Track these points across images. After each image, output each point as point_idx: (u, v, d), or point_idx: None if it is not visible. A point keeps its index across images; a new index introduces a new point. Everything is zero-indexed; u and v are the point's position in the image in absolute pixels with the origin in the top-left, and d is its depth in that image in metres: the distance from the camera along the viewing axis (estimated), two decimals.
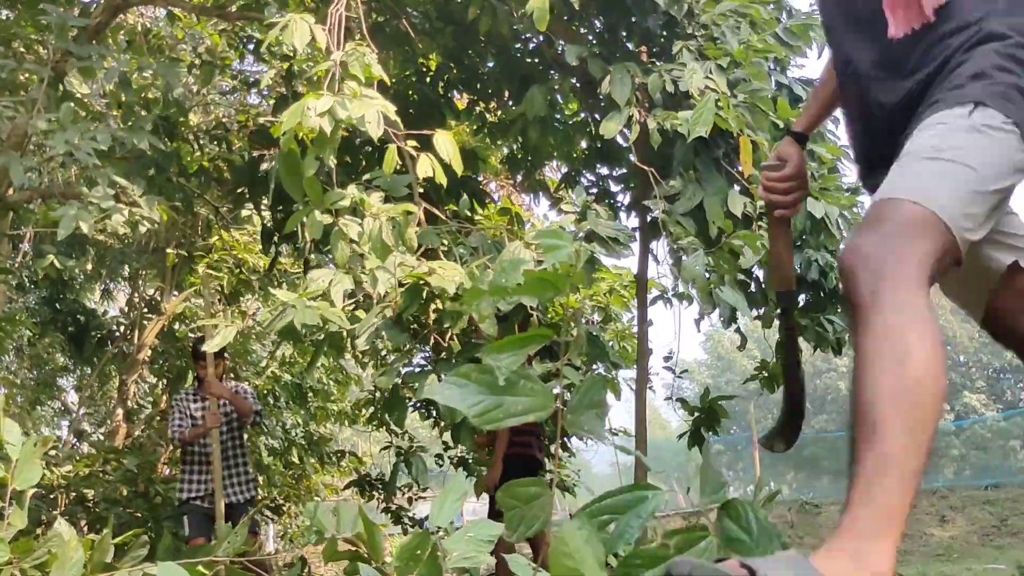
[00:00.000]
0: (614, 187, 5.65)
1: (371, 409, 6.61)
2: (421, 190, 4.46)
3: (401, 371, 4.21)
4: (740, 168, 4.28)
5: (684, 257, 4.21)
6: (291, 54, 5.38)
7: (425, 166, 3.88)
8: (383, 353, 6.27)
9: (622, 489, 1.09)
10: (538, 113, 4.69)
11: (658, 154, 4.56)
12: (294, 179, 3.76)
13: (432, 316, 4.04)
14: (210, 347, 4.15)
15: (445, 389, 1.10)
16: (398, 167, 4.12)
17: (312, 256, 5.09)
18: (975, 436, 31.13)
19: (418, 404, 6.12)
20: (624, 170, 5.54)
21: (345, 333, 3.82)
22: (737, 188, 4.50)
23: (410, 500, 6.78)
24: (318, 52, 4.01)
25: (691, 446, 5.21)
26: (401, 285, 3.81)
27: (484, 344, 4.15)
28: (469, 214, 5.15)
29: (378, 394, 6.18)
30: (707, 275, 4.06)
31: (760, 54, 4.46)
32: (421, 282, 3.79)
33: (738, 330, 5.65)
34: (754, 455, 16.33)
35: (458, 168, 3.98)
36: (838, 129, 5.34)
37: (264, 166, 5.18)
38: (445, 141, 3.93)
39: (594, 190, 5.60)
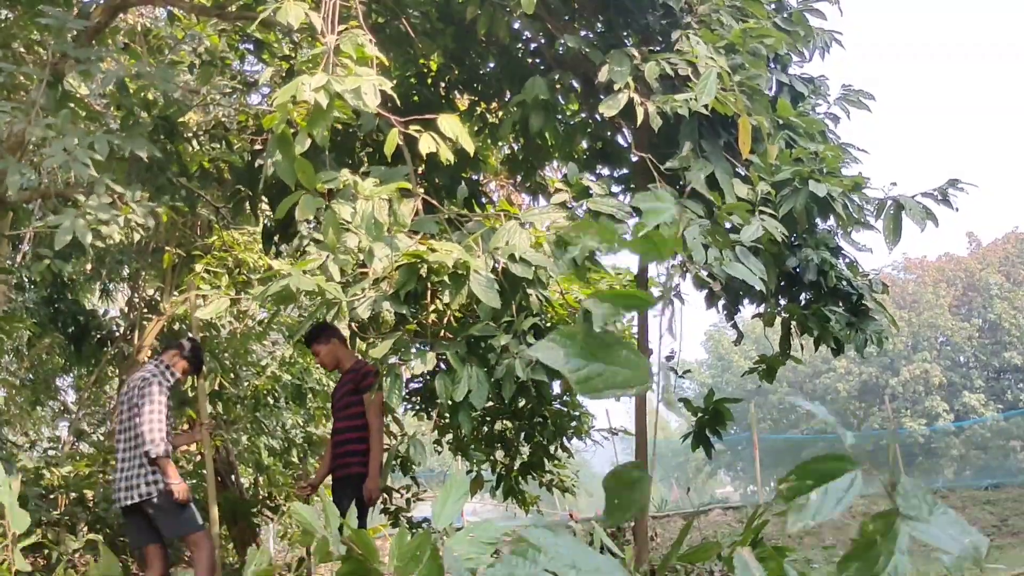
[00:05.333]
0: (615, 187, 5.66)
1: None
2: (421, 190, 4.45)
3: (398, 350, 4.18)
4: (745, 153, 4.27)
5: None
6: (291, 53, 5.37)
7: (428, 143, 3.86)
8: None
9: (812, 461, 1.05)
10: (539, 95, 4.59)
11: (659, 146, 4.55)
12: (287, 162, 3.73)
13: (429, 296, 4.03)
14: (203, 313, 4.16)
15: (546, 349, 1.05)
16: (394, 155, 4.12)
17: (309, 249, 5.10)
18: (975, 436, 31.13)
19: (416, 408, 6.10)
20: (625, 170, 5.54)
21: (344, 305, 3.81)
22: (745, 179, 4.51)
23: (409, 502, 6.75)
24: (316, 44, 4.02)
25: (695, 448, 5.16)
26: (399, 266, 3.81)
27: (480, 323, 4.14)
28: (468, 211, 5.15)
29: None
30: (719, 252, 4.02)
31: (757, 39, 4.44)
32: (418, 261, 3.79)
33: (735, 325, 5.64)
34: (754, 455, 16.31)
35: (469, 147, 3.96)
36: (837, 127, 5.35)
37: (260, 162, 5.18)
38: (451, 123, 3.92)
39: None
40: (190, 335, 6.41)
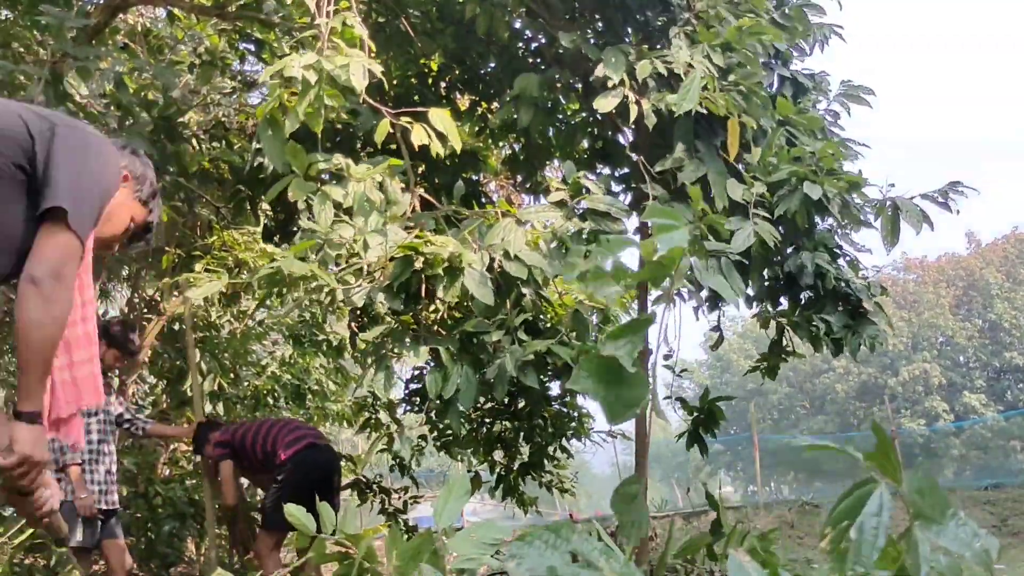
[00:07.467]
0: (615, 187, 5.65)
1: (367, 415, 6.60)
2: (420, 190, 4.44)
3: (389, 341, 4.17)
4: (732, 155, 4.27)
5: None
6: (292, 53, 5.35)
7: (420, 135, 3.85)
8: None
9: (839, 501, 1.04)
10: (530, 93, 4.57)
11: (658, 145, 4.55)
12: (277, 144, 3.70)
13: (424, 291, 4.03)
14: (194, 295, 4.15)
15: (581, 382, 1.09)
16: (394, 153, 4.10)
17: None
18: (975, 436, 31.13)
19: (410, 406, 6.10)
20: (626, 170, 5.54)
21: (339, 293, 3.80)
22: (740, 179, 4.50)
23: (405, 504, 6.74)
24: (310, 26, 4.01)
25: (689, 447, 5.18)
26: (392, 259, 3.80)
27: (473, 318, 4.13)
28: (467, 210, 5.14)
29: (371, 381, 6.16)
30: (702, 261, 4.01)
31: (753, 36, 4.44)
32: (412, 253, 3.77)
33: (717, 328, 5.60)
34: (754, 455, 16.30)
35: (456, 144, 3.95)
36: (837, 122, 5.35)
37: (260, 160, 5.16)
38: (441, 117, 3.90)
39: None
40: (117, 318, 6.33)
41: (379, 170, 3.78)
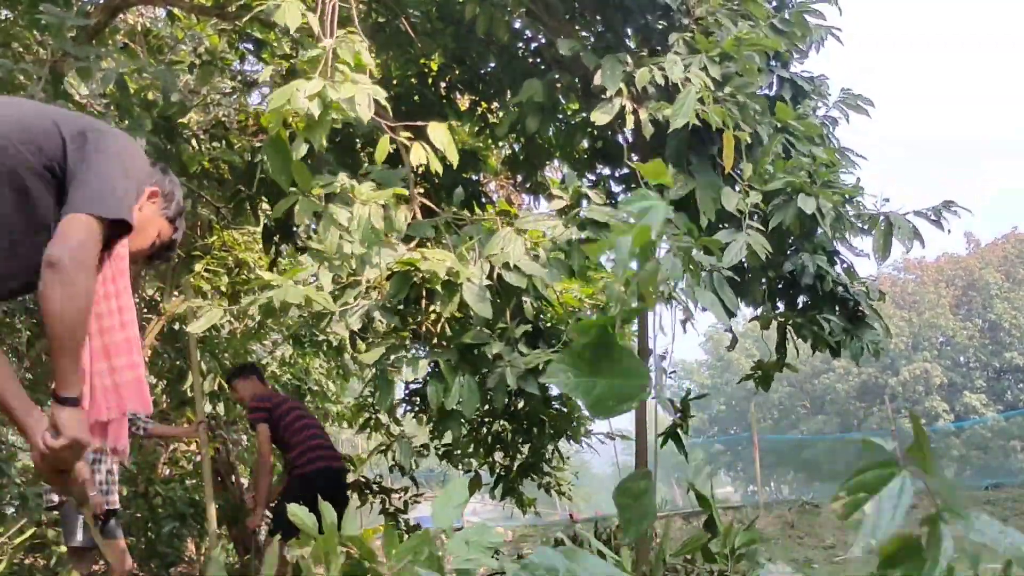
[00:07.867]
0: (615, 187, 5.65)
1: (367, 415, 6.60)
2: (421, 191, 4.44)
3: (391, 356, 4.17)
4: (728, 167, 4.26)
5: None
6: (291, 52, 5.37)
7: (419, 154, 3.86)
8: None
9: (858, 472, 1.01)
10: (535, 98, 4.60)
11: (653, 149, 4.55)
12: (282, 165, 3.71)
13: (424, 303, 4.03)
14: (195, 328, 4.16)
15: (556, 374, 1.03)
16: (393, 157, 4.10)
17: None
18: (975, 436, 31.10)
19: (411, 407, 6.10)
20: (626, 170, 5.53)
21: (337, 314, 3.80)
22: (736, 188, 4.49)
23: (406, 504, 6.74)
24: (315, 44, 4.01)
25: (663, 444, 5.19)
26: (390, 274, 3.80)
27: (473, 330, 4.13)
28: (467, 212, 5.14)
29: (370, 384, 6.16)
30: (693, 277, 4.01)
31: (752, 46, 4.43)
32: (411, 269, 3.77)
33: (729, 330, 5.65)
34: (754, 455, 16.31)
35: (453, 159, 3.96)
36: (835, 130, 5.35)
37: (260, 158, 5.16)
38: (440, 133, 3.91)
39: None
40: None
41: (385, 195, 3.79)
